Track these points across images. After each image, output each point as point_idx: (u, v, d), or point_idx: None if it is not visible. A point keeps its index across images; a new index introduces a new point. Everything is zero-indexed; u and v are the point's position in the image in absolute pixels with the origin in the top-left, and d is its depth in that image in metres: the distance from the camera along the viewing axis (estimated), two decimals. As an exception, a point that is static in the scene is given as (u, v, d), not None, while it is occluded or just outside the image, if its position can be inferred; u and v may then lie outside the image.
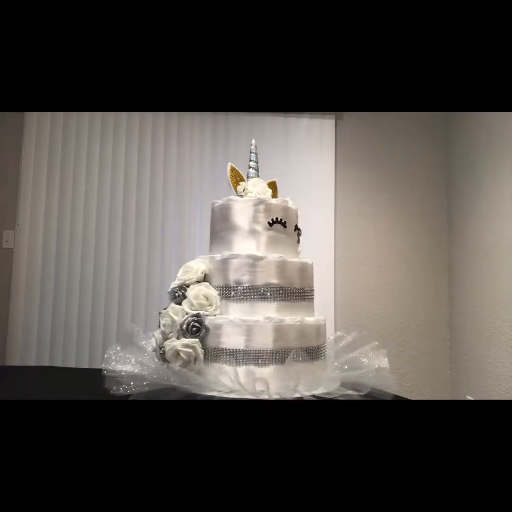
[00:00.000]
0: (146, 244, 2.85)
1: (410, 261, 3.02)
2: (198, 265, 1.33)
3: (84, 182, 2.85)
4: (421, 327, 2.98)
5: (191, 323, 1.23)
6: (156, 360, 1.28)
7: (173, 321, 1.26)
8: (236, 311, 1.27)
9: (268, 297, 1.28)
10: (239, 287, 1.28)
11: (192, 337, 1.22)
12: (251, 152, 1.53)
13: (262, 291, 1.28)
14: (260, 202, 1.37)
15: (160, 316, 1.32)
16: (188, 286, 1.31)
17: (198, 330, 1.23)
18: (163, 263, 2.85)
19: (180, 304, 1.29)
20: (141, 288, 2.82)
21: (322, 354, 1.35)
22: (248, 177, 1.49)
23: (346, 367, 1.33)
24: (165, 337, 1.27)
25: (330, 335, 1.46)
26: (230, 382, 1.16)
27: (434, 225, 3.05)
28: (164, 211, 2.88)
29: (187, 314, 1.25)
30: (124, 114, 2.89)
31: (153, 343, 1.32)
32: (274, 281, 1.29)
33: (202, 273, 1.32)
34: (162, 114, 2.90)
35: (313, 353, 1.29)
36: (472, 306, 2.68)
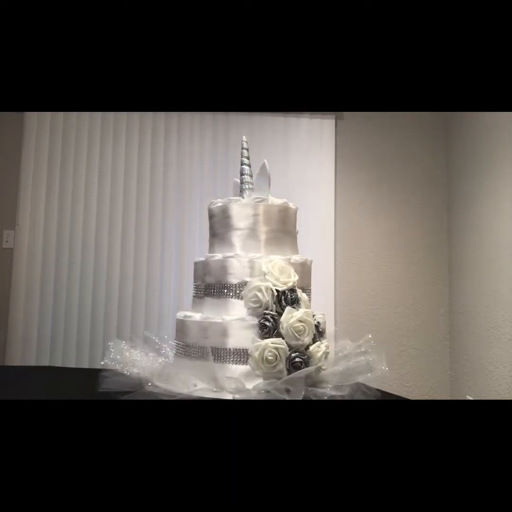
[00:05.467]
0: (146, 244, 2.85)
1: (410, 261, 3.02)
2: (289, 267, 1.23)
3: (84, 182, 2.85)
4: (421, 327, 2.98)
5: (321, 325, 1.17)
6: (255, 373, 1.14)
7: (309, 325, 1.13)
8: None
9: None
10: (308, 289, 1.33)
11: (323, 340, 1.17)
12: (243, 148, 1.46)
13: (308, 292, 1.35)
14: (295, 208, 1.42)
15: (275, 321, 1.15)
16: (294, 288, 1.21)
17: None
18: (163, 263, 2.85)
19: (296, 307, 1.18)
20: (141, 287, 2.82)
21: None
22: (242, 175, 1.43)
23: (343, 366, 1.33)
24: (301, 345, 1.13)
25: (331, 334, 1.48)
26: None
27: (434, 225, 3.05)
28: (164, 211, 2.88)
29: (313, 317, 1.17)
30: (124, 114, 2.89)
31: (268, 356, 1.10)
32: (311, 282, 1.38)
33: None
34: (162, 114, 2.90)
35: None
36: (472, 306, 2.68)
